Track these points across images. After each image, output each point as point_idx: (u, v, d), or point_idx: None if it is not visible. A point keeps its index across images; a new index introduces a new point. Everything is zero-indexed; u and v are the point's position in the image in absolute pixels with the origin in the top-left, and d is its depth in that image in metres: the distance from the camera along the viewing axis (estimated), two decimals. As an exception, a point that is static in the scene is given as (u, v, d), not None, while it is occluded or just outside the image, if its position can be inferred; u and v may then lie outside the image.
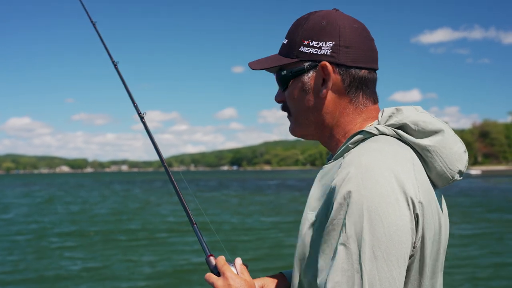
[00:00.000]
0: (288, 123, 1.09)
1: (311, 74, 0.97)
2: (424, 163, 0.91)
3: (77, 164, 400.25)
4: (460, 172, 0.93)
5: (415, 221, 0.81)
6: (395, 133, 0.92)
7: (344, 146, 0.93)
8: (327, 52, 0.95)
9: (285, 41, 1.02)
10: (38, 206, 26.28)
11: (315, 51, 0.96)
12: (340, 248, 0.78)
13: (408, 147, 0.90)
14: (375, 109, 0.99)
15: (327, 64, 0.94)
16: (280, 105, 1.08)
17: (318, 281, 0.83)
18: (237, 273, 1.05)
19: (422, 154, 0.90)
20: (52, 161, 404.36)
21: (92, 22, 1.85)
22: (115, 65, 1.73)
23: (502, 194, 30.31)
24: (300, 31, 0.98)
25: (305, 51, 0.97)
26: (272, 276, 1.23)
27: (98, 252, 11.39)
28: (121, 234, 14.48)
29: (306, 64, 0.97)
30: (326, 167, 0.99)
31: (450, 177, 0.92)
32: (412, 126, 0.90)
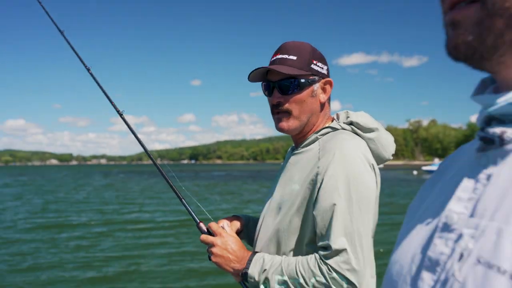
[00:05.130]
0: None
1: (318, 84, 1.30)
2: (369, 148, 1.27)
3: (64, 158, 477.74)
4: (391, 155, 1.31)
5: (375, 178, 1.22)
6: (351, 129, 1.28)
7: (314, 137, 1.30)
8: (326, 72, 1.34)
9: (294, 58, 1.27)
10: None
11: (320, 69, 1.31)
12: (334, 203, 1.13)
13: (360, 137, 1.27)
14: (330, 113, 1.39)
15: (331, 80, 1.33)
16: (273, 106, 1.31)
17: (323, 238, 1.15)
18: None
19: (368, 143, 1.27)
20: (43, 155, 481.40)
21: (60, 30, 1.90)
22: (88, 70, 1.82)
23: (396, 182, 35.28)
24: (310, 54, 1.30)
25: (315, 68, 1.30)
26: (230, 217, 1.51)
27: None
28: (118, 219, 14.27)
29: (317, 77, 1.29)
30: (299, 152, 1.34)
31: (387, 157, 1.31)
32: (360, 124, 1.28)
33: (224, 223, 1.43)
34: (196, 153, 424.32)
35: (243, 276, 1.26)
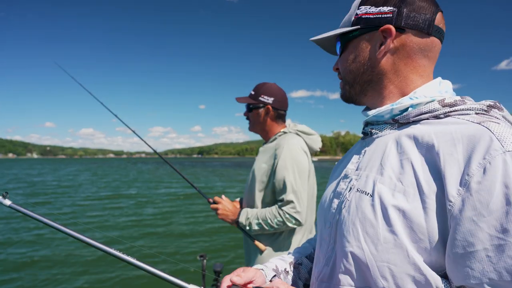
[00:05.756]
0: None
1: (262, 109, 2.04)
2: (306, 144, 2.00)
3: (118, 153, 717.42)
4: (319, 148, 2.03)
5: (307, 160, 1.93)
6: (296, 132, 2.02)
7: (274, 137, 2.03)
8: (271, 102, 2.00)
9: (253, 93, 2.07)
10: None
11: (266, 100, 2.01)
12: (285, 174, 1.84)
13: (300, 138, 2.00)
14: (284, 123, 2.11)
15: (270, 107, 2.00)
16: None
17: (279, 194, 1.86)
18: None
19: (306, 140, 2.01)
20: (104, 151, 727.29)
21: (95, 98, 2.42)
22: (116, 116, 2.41)
23: (326, 169, 42.72)
24: (261, 91, 2.03)
25: (261, 99, 2.01)
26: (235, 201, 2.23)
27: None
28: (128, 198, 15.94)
29: (262, 105, 2.02)
30: (265, 147, 2.06)
31: (316, 149, 2.03)
32: (303, 131, 2.03)
33: (223, 196, 2.09)
34: (202, 151, 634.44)
35: (237, 223, 1.96)
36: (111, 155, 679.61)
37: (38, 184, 23.94)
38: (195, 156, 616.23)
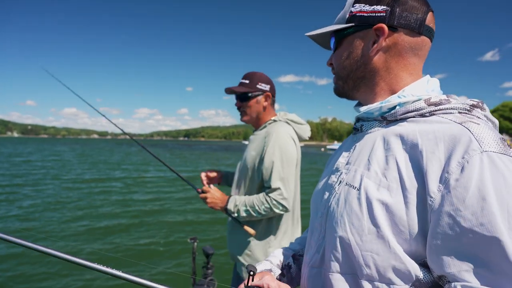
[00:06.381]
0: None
1: (261, 97, 2.09)
2: (295, 132, 2.03)
3: (102, 134, 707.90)
4: (308, 136, 2.04)
5: (295, 148, 1.97)
6: (286, 121, 2.05)
7: (264, 125, 2.08)
8: (268, 89, 2.08)
9: (247, 81, 2.08)
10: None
11: (264, 87, 2.08)
12: (273, 161, 1.90)
13: (290, 126, 2.03)
14: (275, 112, 2.15)
15: (269, 93, 2.06)
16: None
17: (267, 181, 1.91)
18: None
19: (295, 129, 2.05)
20: (88, 132, 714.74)
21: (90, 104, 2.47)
22: (103, 115, 2.44)
23: (313, 155, 52.53)
24: (257, 79, 2.08)
25: (259, 87, 2.07)
26: (209, 171, 2.34)
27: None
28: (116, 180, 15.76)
29: (260, 92, 2.08)
30: (256, 134, 2.09)
31: (305, 137, 2.06)
32: (293, 120, 2.07)
33: (211, 185, 2.12)
34: (188, 133, 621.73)
35: (225, 210, 2.01)
36: (95, 136, 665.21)
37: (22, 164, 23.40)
38: (181, 138, 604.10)
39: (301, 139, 2.11)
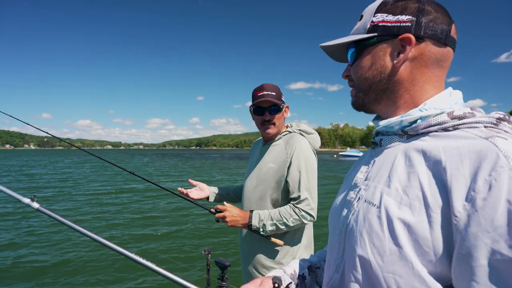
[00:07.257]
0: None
1: (284, 108, 2.13)
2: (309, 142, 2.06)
3: (115, 145, 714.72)
4: (318, 146, 2.10)
5: (316, 159, 2.05)
6: (300, 132, 2.07)
7: (279, 137, 2.07)
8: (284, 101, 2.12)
9: (274, 93, 2.05)
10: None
11: (284, 100, 2.11)
12: (300, 172, 1.91)
13: (305, 137, 2.06)
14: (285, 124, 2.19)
15: (288, 106, 2.13)
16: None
17: (293, 193, 1.91)
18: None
19: (309, 139, 2.05)
20: (102, 143, 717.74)
21: None
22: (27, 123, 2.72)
23: (325, 161, 52.66)
24: (279, 92, 2.09)
25: (283, 99, 2.10)
26: (197, 186, 2.37)
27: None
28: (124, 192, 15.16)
29: (284, 104, 2.12)
30: (272, 146, 2.09)
31: (317, 147, 2.07)
32: (305, 130, 2.09)
33: (225, 203, 2.05)
34: (200, 143, 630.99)
35: (249, 226, 1.94)
36: (109, 147, 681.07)
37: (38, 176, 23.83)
38: (193, 147, 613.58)
39: (314, 148, 2.12)
